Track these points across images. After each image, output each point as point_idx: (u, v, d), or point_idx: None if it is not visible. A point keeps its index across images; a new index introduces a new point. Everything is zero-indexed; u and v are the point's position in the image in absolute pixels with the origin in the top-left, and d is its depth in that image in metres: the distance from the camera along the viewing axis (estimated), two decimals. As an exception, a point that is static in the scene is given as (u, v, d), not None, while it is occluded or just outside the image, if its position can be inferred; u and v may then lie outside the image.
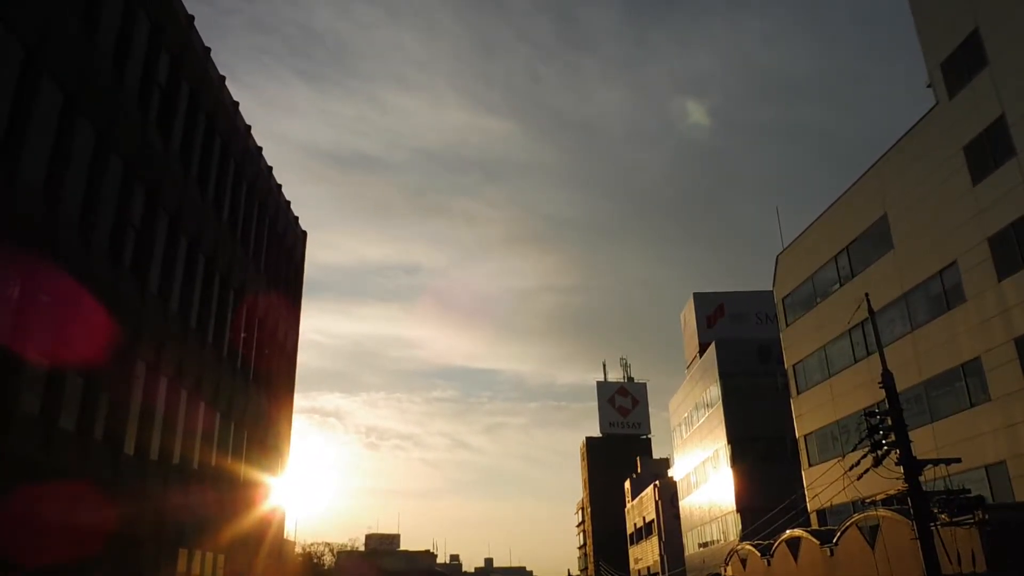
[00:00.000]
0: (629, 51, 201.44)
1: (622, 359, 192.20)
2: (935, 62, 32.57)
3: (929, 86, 33.16)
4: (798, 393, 45.82)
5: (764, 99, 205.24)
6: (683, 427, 75.17)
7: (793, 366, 46.65)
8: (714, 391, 62.43)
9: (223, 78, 29.08)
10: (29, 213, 16.07)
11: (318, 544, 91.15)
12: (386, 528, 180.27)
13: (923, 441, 30.62)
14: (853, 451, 29.06)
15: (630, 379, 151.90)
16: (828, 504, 39.77)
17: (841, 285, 40.56)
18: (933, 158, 32.66)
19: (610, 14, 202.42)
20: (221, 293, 28.83)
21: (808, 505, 43.10)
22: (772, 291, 50.35)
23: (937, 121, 32.53)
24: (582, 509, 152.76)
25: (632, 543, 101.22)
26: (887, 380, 22.44)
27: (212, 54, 27.64)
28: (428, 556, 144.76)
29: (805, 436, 44.72)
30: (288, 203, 39.04)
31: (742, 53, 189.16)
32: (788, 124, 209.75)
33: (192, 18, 25.45)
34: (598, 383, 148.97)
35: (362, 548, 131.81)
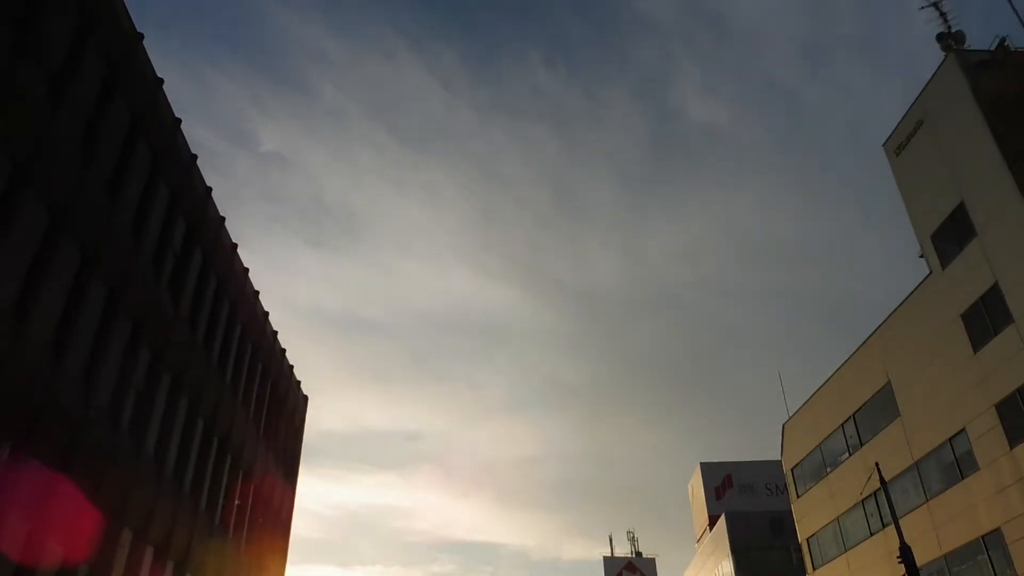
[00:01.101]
0: (626, 220, 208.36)
1: (629, 532, 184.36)
2: (925, 234, 33.64)
3: (921, 256, 34.07)
4: (814, 569, 43.67)
5: (758, 264, 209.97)
6: (695, 607, 71.03)
7: (807, 540, 44.77)
8: (726, 567, 59.62)
9: (235, 245, 30.04)
10: (33, 369, 16.11)
11: None
12: None
13: (950, 622, 28.80)
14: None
15: (638, 554, 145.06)
16: None
17: (850, 454, 39.70)
18: (932, 326, 32.98)
19: (607, 185, 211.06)
20: (218, 457, 28.29)
21: None
22: (780, 460, 49.25)
23: (932, 290, 33.14)
24: None
25: None
26: (906, 556, 21.49)
27: (226, 222, 28.72)
28: None
29: (824, 617, 42.15)
30: (291, 367, 39.12)
31: (735, 219, 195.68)
32: (784, 288, 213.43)
33: (210, 189, 26.66)
34: (604, 558, 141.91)
35: None
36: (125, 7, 19.91)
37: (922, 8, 35.17)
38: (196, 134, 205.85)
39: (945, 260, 32.27)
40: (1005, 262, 28.44)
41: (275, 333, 36.09)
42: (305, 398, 42.70)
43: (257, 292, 33.19)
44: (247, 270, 31.65)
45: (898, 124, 35.76)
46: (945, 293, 32.05)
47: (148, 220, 21.70)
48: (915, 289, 34.48)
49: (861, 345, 39.16)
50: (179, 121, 23.77)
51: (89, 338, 18.68)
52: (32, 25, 15.77)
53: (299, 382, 40.76)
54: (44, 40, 16.34)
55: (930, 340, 33.00)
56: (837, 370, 41.76)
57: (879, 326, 37.55)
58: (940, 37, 34.49)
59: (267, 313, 34.64)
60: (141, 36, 20.66)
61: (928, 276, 33.53)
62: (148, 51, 21.32)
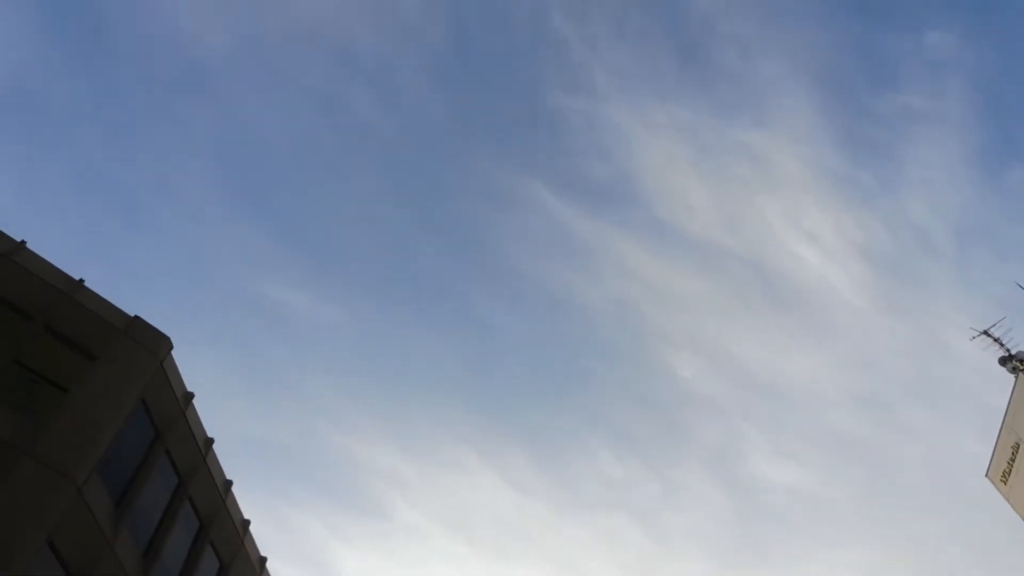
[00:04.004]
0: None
1: None
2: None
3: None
4: None
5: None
6: None
7: None
8: None
9: None
10: None
11: None
12: None
13: None
14: None
15: None
16: None
17: None
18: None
19: (698, 560, 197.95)
20: None
21: None
22: None
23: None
24: None
25: None
26: None
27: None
28: None
29: None
30: None
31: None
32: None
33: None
34: None
35: None
36: (217, 462, 21.60)
37: (973, 339, 35.75)
38: (280, 570, 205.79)
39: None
40: None
41: None
42: None
43: None
44: None
45: (993, 453, 34.30)
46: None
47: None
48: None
49: None
50: (264, 560, 24.20)
51: None
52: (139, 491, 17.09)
53: None
54: (146, 503, 17.57)
55: None
56: None
57: None
58: (1003, 361, 34.63)
59: None
60: (230, 483, 22.07)
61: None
62: (235, 496, 22.59)
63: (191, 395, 20.22)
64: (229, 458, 22.65)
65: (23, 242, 18.18)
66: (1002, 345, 35.12)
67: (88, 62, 62.95)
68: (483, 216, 79.03)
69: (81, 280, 18.66)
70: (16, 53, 58.15)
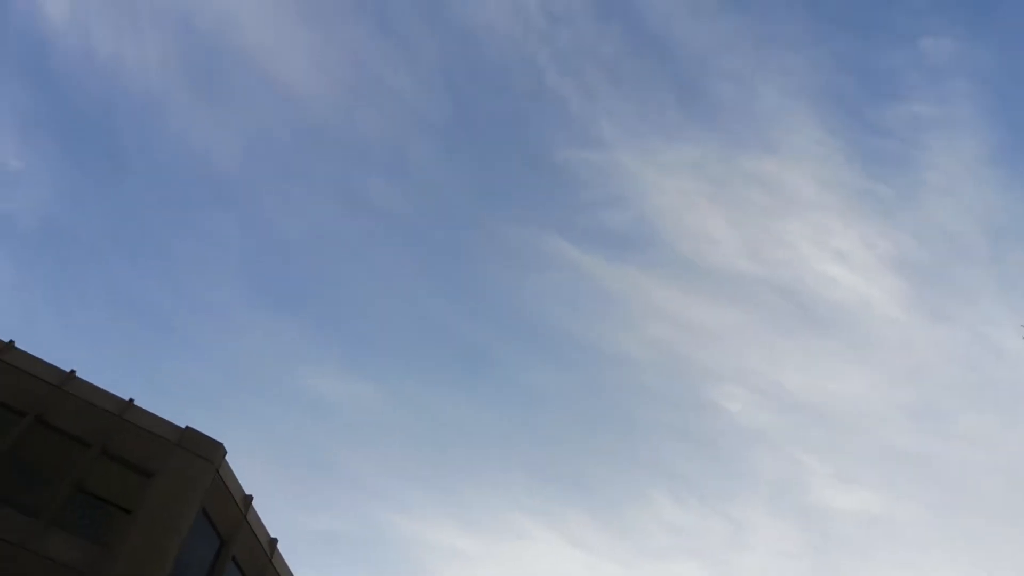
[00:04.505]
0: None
1: None
2: None
3: None
4: None
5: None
6: None
7: None
8: None
9: None
10: None
11: None
12: None
13: None
14: None
15: None
16: None
17: None
18: None
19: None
20: None
21: None
22: None
23: None
24: None
25: None
26: None
27: None
28: None
29: None
30: None
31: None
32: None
33: None
34: None
35: None
36: (284, 561, 21.59)
37: None
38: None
39: None
40: None
41: None
42: None
43: None
44: None
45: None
46: None
47: None
48: None
49: None
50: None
51: None
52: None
53: None
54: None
55: None
56: None
57: None
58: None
59: None
60: (299, 582, 21.98)
61: None
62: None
63: (250, 497, 20.37)
64: (292, 555, 22.67)
65: (72, 372, 18.70)
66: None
67: (110, 190, 65.15)
68: (509, 278, 79.43)
69: (131, 400, 19.08)
70: (44, 191, 60.46)
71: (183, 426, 19.31)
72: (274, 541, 21.28)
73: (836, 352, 78.91)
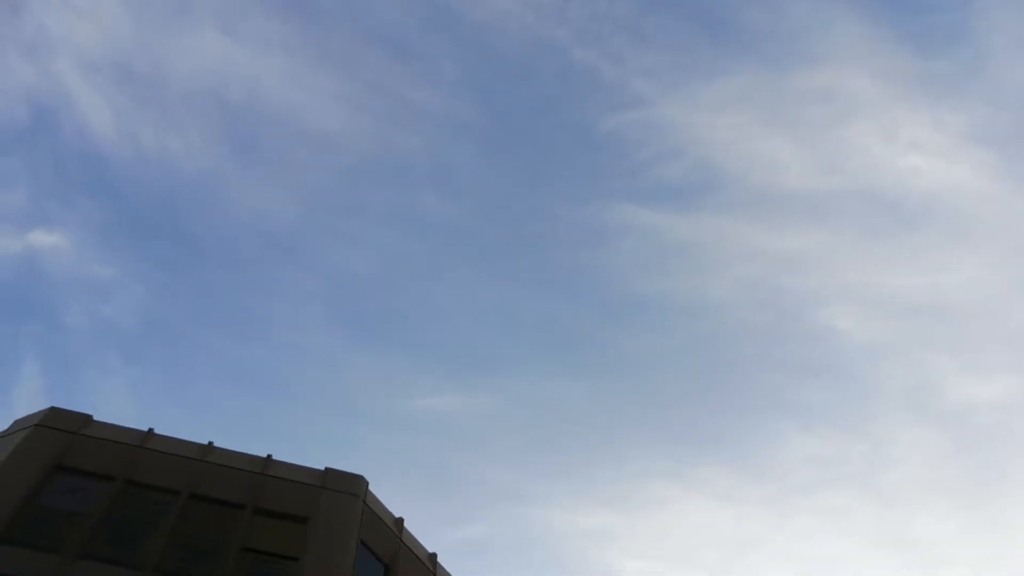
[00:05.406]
0: None
1: None
2: None
3: None
4: None
5: None
6: None
7: None
8: None
9: None
10: None
11: None
12: None
13: None
14: None
15: None
16: None
17: None
18: None
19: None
20: None
21: None
22: None
23: None
24: None
25: None
26: None
27: None
28: None
29: None
30: None
31: None
32: None
33: None
34: None
35: None
36: (448, 573, 22.18)
37: None
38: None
39: None
40: None
41: None
42: None
43: None
44: None
45: None
46: None
47: None
48: None
49: None
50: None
51: None
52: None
53: None
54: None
55: None
56: None
57: None
58: None
59: None
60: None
61: None
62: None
63: (401, 520, 20.99)
64: (451, 566, 23.21)
65: (210, 443, 19.67)
66: None
67: (190, 271, 68.12)
68: (584, 257, 79.16)
69: (269, 456, 19.93)
70: (135, 289, 63.64)
71: (322, 468, 20.06)
72: (434, 556, 21.86)
73: (936, 243, 75.72)
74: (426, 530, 22.64)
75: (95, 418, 19.50)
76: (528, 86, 77.07)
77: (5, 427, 19.47)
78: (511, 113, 77.87)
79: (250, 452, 20.04)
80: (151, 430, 19.51)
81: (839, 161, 75.11)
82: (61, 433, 18.73)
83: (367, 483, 20.11)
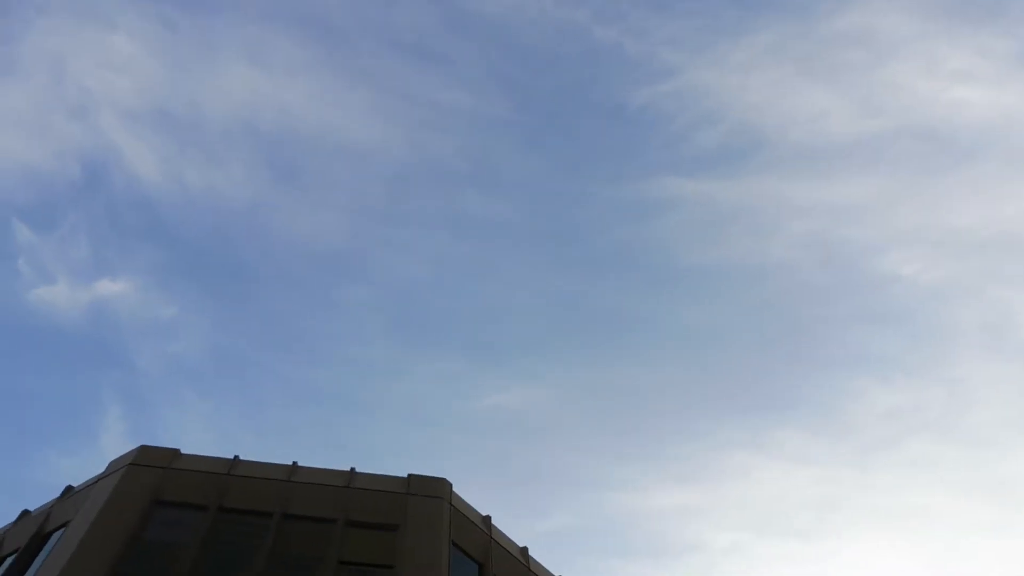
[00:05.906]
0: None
1: None
2: None
3: None
4: None
5: None
6: None
7: None
8: None
9: None
10: None
11: None
12: None
13: None
14: None
15: None
16: None
17: None
18: None
19: None
20: None
21: None
22: None
23: None
24: None
25: None
26: None
27: None
28: None
29: None
30: None
31: None
32: None
33: None
34: None
35: None
36: (542, 566, 22.31)
37: None
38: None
39: None
40: None
41: None
42: None
43: None
44: None
45: None
46: None
47: None
48: None
49: None
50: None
51: None
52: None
53: None
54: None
55: None
56: None
57: None
58: None
59: None
60: (561, 579, 22.62)
61: None
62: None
63: (489, 518, 21.17)
64: (543, 558, 23.33)
65: (295, 463, 20.11)
66: None
67: (249, 301, 69.71)
68: (635, 234, 78.60)
69: (352, 468, 20.29)
70: (200, 324, 65.36)
71: (405, 475, 20.35)
72: (525, 549, 21.99)
73: (995, 173, 73.12)
74: (513, 525, 22.81)
75: (182, 451, 20.11)
76: (554, 72, 76.76)
77: (101, 470, 20.21)
78: (541, 102, 77.65)
79: (334, 467, 20.43)
80: (236, 457, 20.03)
81: (882, 103, 73.03)
82: (154, 469, 19.36)
83: (451, 485, 20.34)
